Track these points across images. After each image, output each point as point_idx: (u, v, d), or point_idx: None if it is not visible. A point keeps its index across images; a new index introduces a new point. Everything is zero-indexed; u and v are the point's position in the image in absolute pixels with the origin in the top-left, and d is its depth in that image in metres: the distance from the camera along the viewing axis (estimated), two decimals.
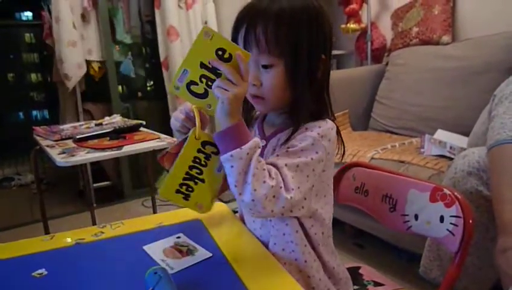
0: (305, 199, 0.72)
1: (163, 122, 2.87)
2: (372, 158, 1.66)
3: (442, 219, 0.75)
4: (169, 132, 1.80)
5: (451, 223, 0.72)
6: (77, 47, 2.56)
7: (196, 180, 0.73)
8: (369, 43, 2.69)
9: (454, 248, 0.71)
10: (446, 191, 0.75)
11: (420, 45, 2.29)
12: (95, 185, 2.81)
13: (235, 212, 0.96)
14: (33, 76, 4.11)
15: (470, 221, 0.70)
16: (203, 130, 0.75)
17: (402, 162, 1.56)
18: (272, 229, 0.77)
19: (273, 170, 0.67)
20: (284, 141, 0.74)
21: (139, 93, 3.16)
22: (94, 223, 1.96)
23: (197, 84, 0.68)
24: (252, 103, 0.78)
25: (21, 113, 4.18)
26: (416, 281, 1.40)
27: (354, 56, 2.96)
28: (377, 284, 0.95)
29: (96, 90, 2.96)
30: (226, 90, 0.65)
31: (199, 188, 0.73)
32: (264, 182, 0.65)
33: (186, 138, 0.73)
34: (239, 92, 0.65)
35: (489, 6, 2.10)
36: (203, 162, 0.72)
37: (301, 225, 0.76)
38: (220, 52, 0.66)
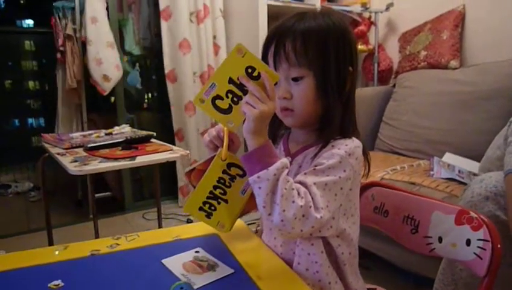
0: (333, 218, 0.71)
1: (167, 134, 2.86)
2: (383, 178, 1.65)
3: (468, 242, 0.74)
4: (172, 144, 1.79)
5: (478, 247, 0.71)
6: (114, 48, 2.59)
7: (219, 200, 0.73)
8: (375, 65, 2.71)
9: (482, 271, 0.70)
10: (473, 214, 0.75)
11: (428, 68, 2.32)
12: (96, 195, 2.78)
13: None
14: (31, 83, 4.11)
15: (498, 245, 0.69)
16: (234, 152, 0.75)
17: (413, 183, 1.56)
18: (296, 248, 0.76)
19: (302, 189, 0.67)
20: (311, 157, 0.74)
21: (144, 105, 3.16)
22: (96, 234, 1.93)
23: (223, 99, 0.68)
24: (281, 116, 0.78)
25: (17, 121, 4.17)
26: None
27: (360, 77, 2.99)
28: None
29: (99, 100, 2.96)
30: (253, 107, 0.65)
31: (222, 208, 0.73)
32: (293, 202, 0.64)
33: (214, 156, 0.73)
34: (266, 110, 0.65)
35: (496, 33, 2.13)
36: (227, 183, 0.73)
37: (328, 244, 0.75)
38: (249, 70, 0.66)
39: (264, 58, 0.77)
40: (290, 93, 0.74)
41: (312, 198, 0.66)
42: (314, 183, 0.68)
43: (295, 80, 0.74)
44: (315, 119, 0.77)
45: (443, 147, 1.92)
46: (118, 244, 0.85)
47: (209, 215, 0.73)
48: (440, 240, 0.80)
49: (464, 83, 1.99)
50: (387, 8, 2.60)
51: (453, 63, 2.20)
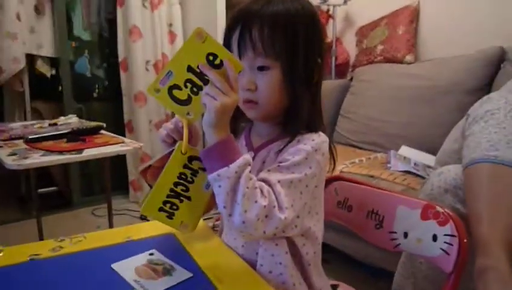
0: (298, 217, 0.67)
1: (119, 126, 2.73)
2: (342, 171, 1.65)
3: (435, 238, 0.72)
4: (123, 136, 1.69)
5: (445, 242, 0.70)
6: (17, 40, 2.35)
7: (182, 198, 0.66)
8: (333, 58, 2.72)
9: (449, 268, 0.69)
10: (439, 208, 0.73)
11: (384, 62, 2.35)
12: (40, 190, 2.59)
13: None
14: None
15: (465, 240, 0.68)
16: (195, 146, 0.69)
17: (371, 176, 1.56)
18: (259, 248, 0.71)
19: (265, 187, 0.62)
20: (276, 152, 0.70)
21: (94, 94, 2.98)
22: (40, 233, 1.79)
23: (181, 89, 0.62)
24: (244, 109, 0.72)
25: None
26: None
27: None
28: None
29: (46, 88, 2.75)
30: (214, 98, 0.60)
31: (185, 207, 0.66)
32: (256, 201, 0.60)
33: (172, 151, 0.66)
34: (228, 103, 0.60)
35: (448, 29, 2.19)
36: (189, 179, 0.66)
37: (292, 244, 0.71)
38: (210, 58, 0.61)
39: (227, 43, 0.71)
40: (255, 84, 0.69)
41: (276, 197, 0.62)
42: (279, 181, 0.64)
43: (260, 69, 0.69)
44: (280, 112, 0.73)
45: (399, 140, 1.95)
46: (61, 247, 0.77)
47: (170, 216, 0.66)
48: (405, 235, 0.79)
49: (420, 77, 2.04)
50: (345, 2, 2.60)
51: (408, 57, 2.25)
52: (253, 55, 0.68)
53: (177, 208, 0.66)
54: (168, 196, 0.65)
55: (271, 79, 0.68)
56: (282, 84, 0.69)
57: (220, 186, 0.60)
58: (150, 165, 0.70)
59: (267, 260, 0.70)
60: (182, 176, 0.66)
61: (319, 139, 0.69)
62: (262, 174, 0.65)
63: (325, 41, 0.76)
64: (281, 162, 0.66)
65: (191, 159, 0.66)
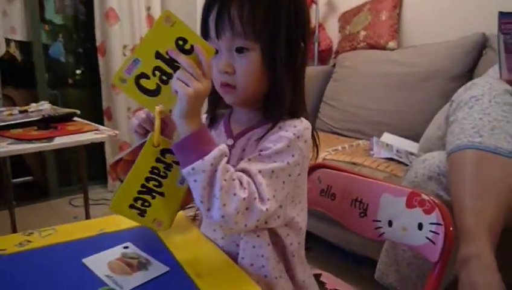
0: (280, 206, 0.64)
1: (97, 114, 2.64)
2: (325, 159, 1.63)
3: (420, 227, 0.70)
4: (101, 124, 1.62)
5: (431, 231, 0.68)
6: None
7: (154, 194, 0.62)
8: (316, 44, 2.68)
9: (434, 257, 0.67)
10: (424, 196, 0.71)
11: (367, 48, 2.32)
12: (14, 180, 2.49)
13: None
14: None
15: (451, 228, 0.67)
16: (169, 138, 0.64)
17: (354, 163, 1.55)
18: (240, 241, 0.68)
19: (245, 178, 0.59)
20: (256, 139, 0.66)
21: (70, 80, 2.87)
22: (14, 225, 1.72)
23: (149, 78, 0.58)
24: (221, 93, 0.68)
25: None
26: (365, 283, 1.39)
27: None
28: None
29: (19, 73, 2.64)
30: (187, 85, 0.55)
31: (157, 203, 0.62)
32: (235, 194, 0.56)
33: (144, 143, 0.61)
34: (201, 89, 0.56)
35: (431, 16, 2.18)
36: (162, 173, 0.62)
37: (275, 235, 0.68)
38: (180, 42, 0.57)
39: (204, 23, 0.66)
40: (233, 67, 0.65)
41: (257, 188, 0.59)
42: (260, 171, 0.60)
43: (239, 51, 0.64)
44: (260, 97, 0.69)
45: (382, 127, 1.94)
46: (29, 242, 0.72)
47: (142, 213, 0.62)
48: (390, 224, 0.77)
49: (403, 64, 2.02)
50: None
51: (391, 44, 2.23)
52: (232, 35, 0.63)
53: (149, 205, 0.62)
54: (139, 192, 0.61)
55: (250, 62, 0.64)
56: (262, 67, 0.65)
57: (195, 180, 0.57)
58: (121, 159, 0.65)
59: (248, 253, 0.67)
60: (155, 170, 0.61)
61: (302, 125, 0.66)
62: (242, 164, 0.62)
63: (309, 24, 0.71)
64: (261, 151, 0.63)
65: (164, 152, 0.61)
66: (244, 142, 0.70)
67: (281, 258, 0.70)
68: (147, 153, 0.61)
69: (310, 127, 0.68)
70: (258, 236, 0.66)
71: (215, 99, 0.72)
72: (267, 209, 0.58)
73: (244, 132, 0.71)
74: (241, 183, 0.58)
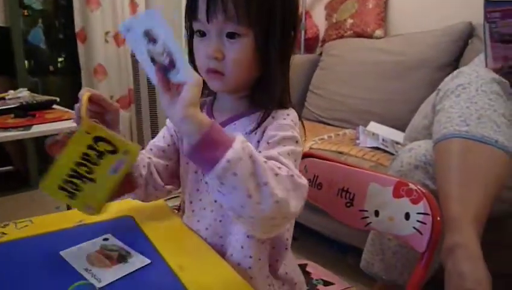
0: None
1: (76, 101, 2.57)
2: (311, 148, 1.61)
3: (407, 216, 0.70)
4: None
5: (418, 221, 0.68)
6: None
7: (84, 179, 0.60)
8: (302, 32, 2.66)
9: (421, 247, 0.66)
10: (412, 186, 0.70)
11: (354, 37, 2.31)
12: None
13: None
14: None
15: (438, 218, 0.66)
16: (114, 123, 0.64)
17: (340, 153, 1.54)
18: (229, 236, 0.66)
19: (272, 161, 0.54)
20: (251, 130, 0.63)
21: (51, 68, 2.80)
22: None
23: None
24: (207, 79, 0.64)
25: None
26: (351, 272, 1.39)
27: None
28: (326, 283, 0.89)
29: None
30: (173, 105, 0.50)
31: (88, 188, 0.60)
32: (277, 174, 0.51)
33: None
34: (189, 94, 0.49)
35: (419, 4, 2.17)
36: (94, 161, 0.59)
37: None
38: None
39: (192, 5, 0.62)
40: (222, 52, 0.61)
41: (287, 166, 0.54)
42: (279, 154, 0.56)
43: (230, 36, 0.60)
44: (248, 85, 0.66)
45: (368, 116, 1.94)
46: (4, 234, 0.69)
47: (72, 196, 0.61)
48: (377, 213, 0.76)
49: (390, 53, 2.01)
50: None
51: (378, 32, 2.21)
52: (224, 19, 0.59)
53: (79, 189, 0.60)
54: (69, 176, 0.59)
55: (241, 48, 0.61)
56: (254, 55, 0.61)
57: (235, 174, 0.47)
58: (57, 141, 0.62)
59: (236, 250, 0.66)
60: (86, 156, 0.59)
61: (293, 114, 0.65)
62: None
63: (298, 11, 0.69)
64: (268, 140, 0.60)
65: (97, 139, 0.58)
66: (229, 131, 0.67)
67: (273, 253, 0.69)
68: (79, 138, 0.58)
69: (297, 116, 0.66)
70: (248, 236, 0.64)
71: None
72: (306, 182, 0.55)
73: (228, 121, 0.68)
74: (274, 164, 0.53)
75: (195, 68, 0.65)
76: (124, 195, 0.67)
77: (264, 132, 0.63)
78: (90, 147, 0.58)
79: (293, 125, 0.62)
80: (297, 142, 0.61)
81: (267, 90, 0.64)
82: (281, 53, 0.63)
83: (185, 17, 0.66)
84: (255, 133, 0.64)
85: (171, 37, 0.49)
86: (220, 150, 0.48)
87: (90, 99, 0.61)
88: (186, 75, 0.49)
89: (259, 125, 0.63)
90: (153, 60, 0.52)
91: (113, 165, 0.59)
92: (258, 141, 0.63)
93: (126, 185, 0.63)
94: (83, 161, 0.59)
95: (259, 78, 0.65)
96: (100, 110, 0.63)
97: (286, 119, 0.63)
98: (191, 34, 0.66)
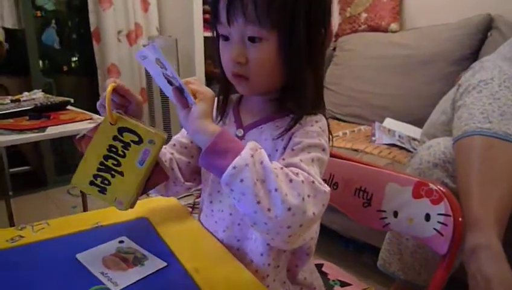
0: None
1: (92, 101, 2.58)
2: None
3: (428, 217, 0.67)
4: (98, 112, 1.59)
5: (439, 222, 0.66)
6: None
7: (113, 173, 0.60)
8: None
9: (443, 249, 0.64)
10: (432, 186, 0.68)
11: (368, 31, 2.27)
12: (11, 170, 2.47)
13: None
14: None
15: (460, 219, 0.64)
16: (138, 115, 0.63)
17: (355, 150, 1.51)
18: (246, 241, 0.65)
19: (291, 168, 0.53)
20: (278, 136, 0.61)
21: (65, 68, 2.82)
22: (10, 216, 1.69)
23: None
24: (234, 83, 0.63)
25: None
26: (367, 271, 1.37)
27: None
28: (343, 284, 0.88)
29: (12, 62, 2.58)
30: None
31: (117, 182, 0.60)
32: (291, 180, 0.50)
33: None
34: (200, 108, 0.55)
35: None
36: (120, 152, 0.59)
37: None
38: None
39: (214, 8, 0.60)
40: (245, 56, 0.59)
41: (308, 173, 0.53)
42: (301, 161, 0.55)
43: (252, 40, 0.58)
44: (276, 88, 0.63)
45: (383, 112, 1.91)
46: (21, 237, 0.69)
47: (103, 191, 0.61)
48: (395, 214, 0.74)
49: (405, 47, 1.97)
50: None
51: (393, 26, 2.17)
52: (244, 21, 0.57)
53: (109, 183, 0.60)
54: (98, 170, 0.60)
55: (263, 52, 0.58)
56: (278, 58, 0.59)
57: (242, 180, 0.49)
58: (85, 135, 0.62)
59: (256, 257, 0.65)
60: (112, 148, 0.59)
61: (322, 121, 0.62)
62: (279, 162, 0.56)
63: (330, 6, 0.63)
64: (293, 147, 0.58)
65: (122, 130, 0.59)
66: (256, 134, 0.65)
67: (293, 258, 0.68)
68: (104, 130, 0.59)
69: (326, 122, 0.64)
70: (268, 244, 0.63)
71: (227, 86, 0.68)
72: (328, 190, 0.54)
73: (255, 124, 0.66)
74: (291, 171, 0.52)
75: (223, 72, 0.64)
76: (158, 185, 0.66)
77: (290, 138, 0.60)
78: (115, 138, 0.59)
79: (321, 133, 0.60)
80: (323, 150, 0.59)
81: (295, 94, 0.61)
82: (309, 55, 0.60)
83: (210, 20, 0.64)
84: (282, 139, 0.61)
85: (170, 68, 0.54)
86: (228, 158, 0.51)
87: (115, 90, 0.60)
88: (190, 98, 0.56)
89: (286, 131, 0.61)
90: (169, 82, 0.58)
91: (139, 156, 0.59)
92: (284, 148, 0.60)
93: (158, 174, 0.63)
94: (109, 154, 0.59)
95: (287, 81, 0.62)
96: (124, 102, 0.62)
97: (314, 126, 0.60)
98: (217, 37, 0.64)
